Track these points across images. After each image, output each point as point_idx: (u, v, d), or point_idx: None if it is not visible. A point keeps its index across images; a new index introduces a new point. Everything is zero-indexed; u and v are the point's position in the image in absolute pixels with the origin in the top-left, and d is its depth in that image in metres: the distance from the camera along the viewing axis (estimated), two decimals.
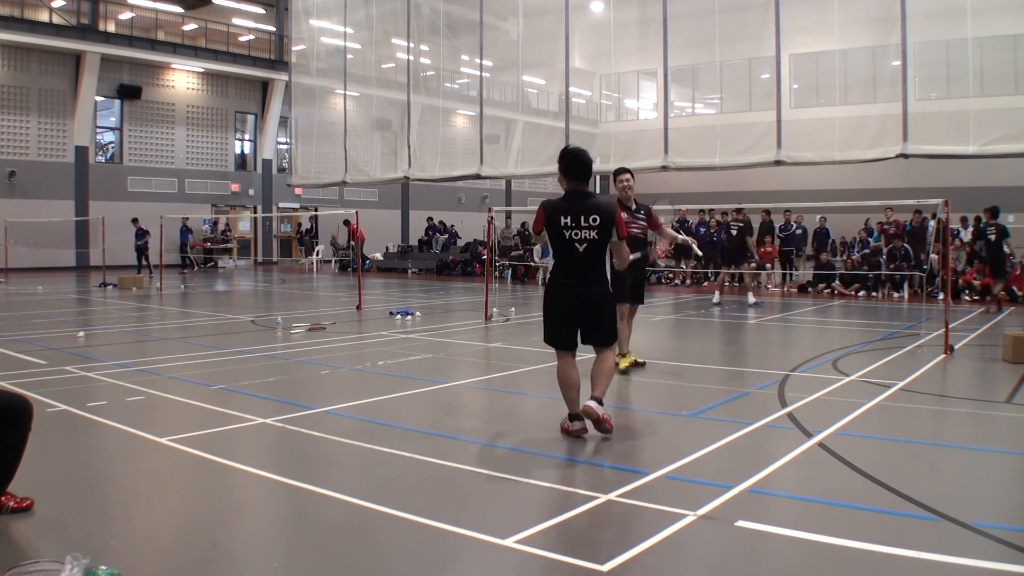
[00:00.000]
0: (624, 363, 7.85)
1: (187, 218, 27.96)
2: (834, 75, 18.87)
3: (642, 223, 7.91)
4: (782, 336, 12.15)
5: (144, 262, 24.23)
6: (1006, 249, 15.68)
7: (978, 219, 19.33)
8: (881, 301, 16.79)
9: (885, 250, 18.24)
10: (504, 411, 6.66)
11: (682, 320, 13.59)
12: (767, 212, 20.08)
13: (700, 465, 4.81)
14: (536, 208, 5.51)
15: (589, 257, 5.36)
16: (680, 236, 8.94)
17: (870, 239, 19.11)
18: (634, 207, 7.85)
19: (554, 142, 20.50)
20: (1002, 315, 13.71)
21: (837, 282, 18.52)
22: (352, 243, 29.81)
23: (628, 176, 7.75)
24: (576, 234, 5.29)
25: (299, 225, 33.87)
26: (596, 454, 5.21)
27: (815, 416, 6.06)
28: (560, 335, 5.49)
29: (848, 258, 19.99)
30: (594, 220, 5.29)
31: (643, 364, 8.23)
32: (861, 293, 17.87)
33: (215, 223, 31.10)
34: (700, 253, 10.10)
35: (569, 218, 5.29)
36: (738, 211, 18.01)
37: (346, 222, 29.59)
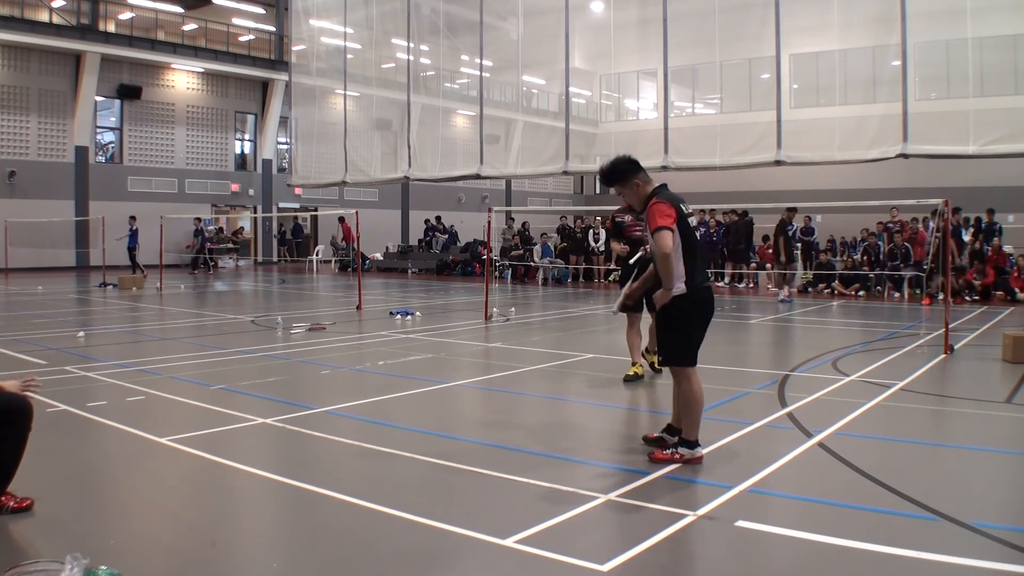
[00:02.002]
0: (632, 370, 7.52)
1: (200, 219, 27.72)
2: (834, 75, 18.87)
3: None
4: (782, 336, 12.15)
5: (136, 261, 24.25)
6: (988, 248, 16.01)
7: (979, 219, 19.37)
8: (899, 302, 16.78)
9: (886, 248, 18.23)
10: (504, 411, 6.66)
11: None
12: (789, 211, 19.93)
13: (700, 465, 4.81)
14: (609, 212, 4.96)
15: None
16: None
17: (879, 242, 18.87)
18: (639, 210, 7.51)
19: (554, 142, 20.51)
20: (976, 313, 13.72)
21: (837, 282, 18.51)
22: (346, 242, 29.99)
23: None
24: (692, 224, 4.88)
25: (280, 226, 33.34)
26: (596, 454, 5.21)
27: (815, 416, 6.06)
28: (698, 347, 4.92)
29: (848, 258, 19.98)
30: (691, 212, 4.96)
31: (641, 377, 7.57)
32: (861, 293, 17.86)
33: (219, 227, 31.06)
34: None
35: (684, 207, 4.84)
36: (791, 210, 17.74)
37: (341, 219, 29.67)
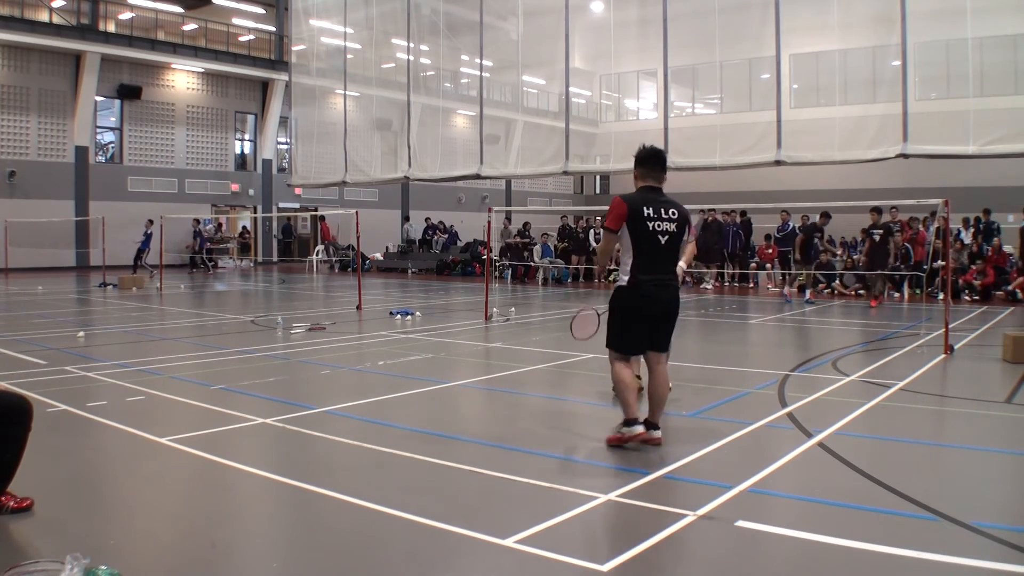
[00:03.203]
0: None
1: (198, 219, 27.61)
2: (834, 75, 18.88)
3: None
4: (782, 336, 12.15)
5: (139, 262, 24.26)
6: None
7: (978, 219, 19.37)
8: (899, 302, 16.79)
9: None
10: (504, 411, 6.66)
11: (682, 320, 13.57)
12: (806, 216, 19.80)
13: (700, 465, 4.81)
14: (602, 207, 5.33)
15: (671, 252, 5.26)
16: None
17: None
18: None
19: (554, 142, 20.52)
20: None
21: (837, 282, 18.50)
22: (324, 241, 30.17)
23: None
24: (659, 225, 5.14)
25: (242, 228, 32.33)
26: (596, 454, 5.21)
27: (815, 416, 6.06)
28: (640, 339, 5.25)
29: (848, 258, 19.98)
30: (673, 214, 5.20)
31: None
32: (861, 292, 17.86)
33: (219, 224, 31.05)
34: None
35: (651, 209, 5.13)
36: (826, 216, 17.57)
37: (321, 218, 29.74)
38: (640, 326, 5.20)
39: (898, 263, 17.69)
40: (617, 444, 5.16)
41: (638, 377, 6.88)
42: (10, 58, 26.08)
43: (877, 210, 15.80)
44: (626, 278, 5.18)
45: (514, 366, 8.50)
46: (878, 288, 16.28)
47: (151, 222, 23.93)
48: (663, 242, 5.15)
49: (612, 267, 18.16)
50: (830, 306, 15.84)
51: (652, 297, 5.15)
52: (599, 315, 5.97)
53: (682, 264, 6.18)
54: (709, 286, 20.48)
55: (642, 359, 6.43)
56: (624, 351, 5.28)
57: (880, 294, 16.38)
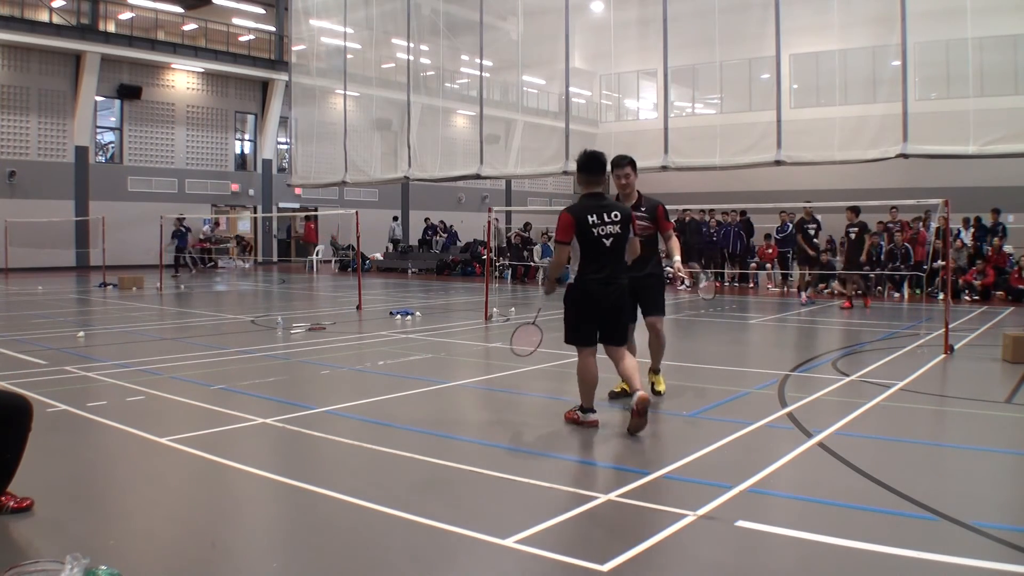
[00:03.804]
0: (619, 387, 6.64)
1: (183, 218, 27.04)
2: (834, 75, 18.88)
3: (643, 224, 6.49)
4: (782, 336, 12.15)
5: (182, 261, 24.47)
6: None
7: (978, 219, 19.36)
8: (899, 302, 16.78)
9: (886, 248, 18.21)
10: (504, 411, 6.66)
11: (681, 320, 13.58)
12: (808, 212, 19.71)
13: (700, 465, 4.81)
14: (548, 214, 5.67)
15: (616, 252, 5.64)
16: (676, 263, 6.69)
17: (880, 242, 18.75)
18: (632, 204, 6.52)
19: (554, 142, 20.52)
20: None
21: (836, 282, 18.48)
22: (306, 241, 30.13)
23: (628, 171, 6.53)
24: (603, 230, 5.55)
25: (216, 228, 30.73)
26: (596, 454, 5.21)
27: (815, 416, 6.06)
28: (590, 332, 5.66)
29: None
30: (616, 216, 5.60)
31: (631, 394, 6.62)
32: (861, 292, 17.83)
33: (215, 222, 31.02)
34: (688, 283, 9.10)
35: (595, 216, 5.56)
36: (853, 215, 17.38)
37: (306, 219, 29.68)
38: (589, 321, 5.65)
39: (898, 263, 17.67)
40: (571, 422, 5.71)
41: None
42: (10, 58, 26.08)
43: (854, 209, 15.73)
44: (575, 277, 5.70)
45: (514, 366, 8.50)
46: (851, 288, 15.82)
47: (180, 219, 24.03)
48: (608, 244, 5.59)
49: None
50: (830, 306, 15.84)
51: (598, 294, 5.59)
52: (537, 326, 6.29)
53: (677, 260, 6.46)
54: (688, 285, 20.26)
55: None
56: (578, 343, 5.73)
57: (855, 294, 15.84)
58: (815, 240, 17.11)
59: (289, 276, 25.68)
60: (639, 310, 6.60)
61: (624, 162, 6.57)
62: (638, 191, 6.66)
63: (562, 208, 5.78)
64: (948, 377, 8.16)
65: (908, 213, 19.16)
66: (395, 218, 30.94)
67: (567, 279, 5.77)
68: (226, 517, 4.14)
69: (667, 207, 6.75)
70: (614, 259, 5.63)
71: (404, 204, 36.14)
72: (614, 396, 6.62)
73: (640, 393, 5.35)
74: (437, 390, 7.23)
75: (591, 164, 5.67)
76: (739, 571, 3.44)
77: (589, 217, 5.55)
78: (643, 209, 6.58)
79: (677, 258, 6.57)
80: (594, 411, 5.70)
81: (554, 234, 5.72)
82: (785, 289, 19.74)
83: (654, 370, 6.94)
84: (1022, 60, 17.36)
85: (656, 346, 6.82)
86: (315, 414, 6.17)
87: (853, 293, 15.77)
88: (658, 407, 6.31)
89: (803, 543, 3.62)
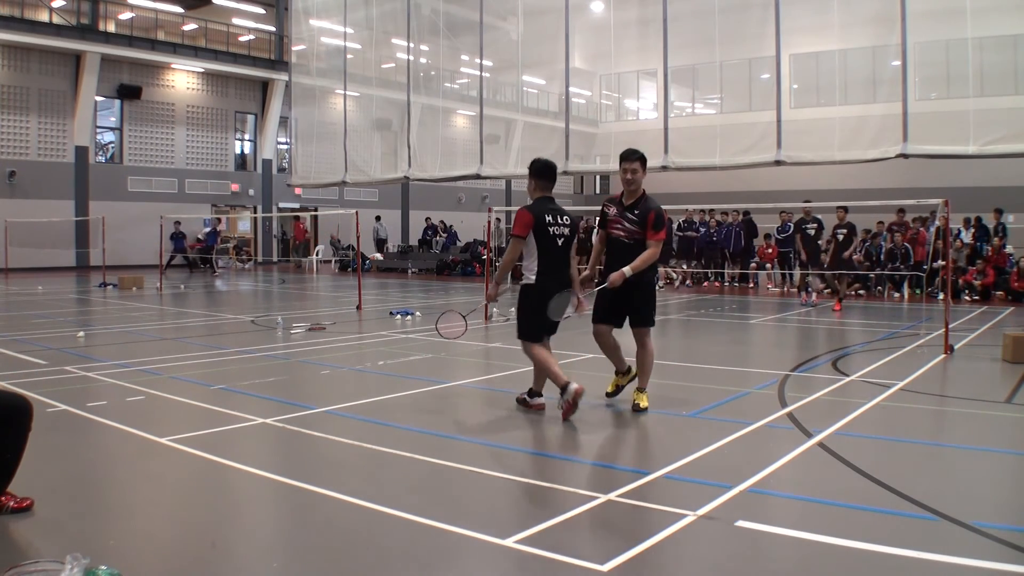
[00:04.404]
0: (612, 386, 6.65)
1: (179, 221, 26.63)
2: (834, 75, 18.85)
3: (631, 227, 6.18)
4: (782, 336, 12.15)
5: (215, 260, 24.62)
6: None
7: (978, 219, 19.37)
8: (899, 302, 16.78)
9: (886, 248, 18.21)
10: (504, 411, 6.65)
11: (681, 320, 13.59)
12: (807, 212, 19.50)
13: (700, 465, 4.81)
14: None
15: (566, 252, 6.11)
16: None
17: (881, 242, 18.68)
18: (628, 203, 6.25)
19: (554, 142, 20.51)
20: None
21: (820, 282, 18.44)
22: (296, 241, 30.11)
23: (636, 166, 6.16)
24: (557, 230, 6.02)
25: (219, 231, 29.80)
26: (596, 454, 5.21)
27: (815, 416, 6.06)
28: (543, 327, 6.11)
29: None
30: (566, 220, 6.09)
31: (613, 393, 6.66)
32: (861, 292, 17.85)
33: (216, 220, 31.01)
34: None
35: (551, 217, 6.01)
36: (851, 212, 17.16)
37: (296, 218, 29.63)
38: (543, 317, 6.01)
39: (898, 263, 17.67)
40: (570, 412, 5.83)
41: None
42: (10, 58, 26.08)
43: (844, 208, 15.67)
44: (532, 276, 6.03)
45: (514, 366, 8.49)
46: (842, 291, 15.52)
47: (219, 220, 24.02)
48: (560, 244, 6.02)
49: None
50: (829, 306, 15.83)
51: (554, 291, 5.97)
52: (464, 317, 6.81)
53: (625, 269, 6.02)
54: (661, 285, 20.22)
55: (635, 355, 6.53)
56: (534, 339, 6.11)
57: (845, 296, 15.61)
58: (818, 241, 17.06)
59: (288, 276, 25.68)
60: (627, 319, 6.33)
61: (634, 157, 6.19)
62: (644, 191, 6.27)
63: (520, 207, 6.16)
64: (948, 377, 8.16)
65: (909, 213, 19.15)
66: (377, 217, 30.67)
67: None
68: (226, 517, 4.14)
69: (666, 208, 6.43)
70: (564, 260, 6.09)
71: (404, 204, 36.14)
72: (611, 395, 6.67)
73: (540, 400, 6.21)
74: (437, 390, 7.24)
75: (545, 172, 6.18)
76: (739, 571, 3.44)
77: (547, 216, 5.98)
78: (636, 212, 6.18)
79: (627, 268, 6.04)
80: (570, 382, 5.87)
81: (511, 228, 6.09)
82: (785, 289, 19.74)
83: (640, 389, 6.36)
84: (1022, 60, 17.34)
85: (645, 361, 6.33)
86: (315, 414, 6.18)
87: (844, 294, 15.61)
88: (659, 407, 6.31)
89: (803, 543, 3.62)
